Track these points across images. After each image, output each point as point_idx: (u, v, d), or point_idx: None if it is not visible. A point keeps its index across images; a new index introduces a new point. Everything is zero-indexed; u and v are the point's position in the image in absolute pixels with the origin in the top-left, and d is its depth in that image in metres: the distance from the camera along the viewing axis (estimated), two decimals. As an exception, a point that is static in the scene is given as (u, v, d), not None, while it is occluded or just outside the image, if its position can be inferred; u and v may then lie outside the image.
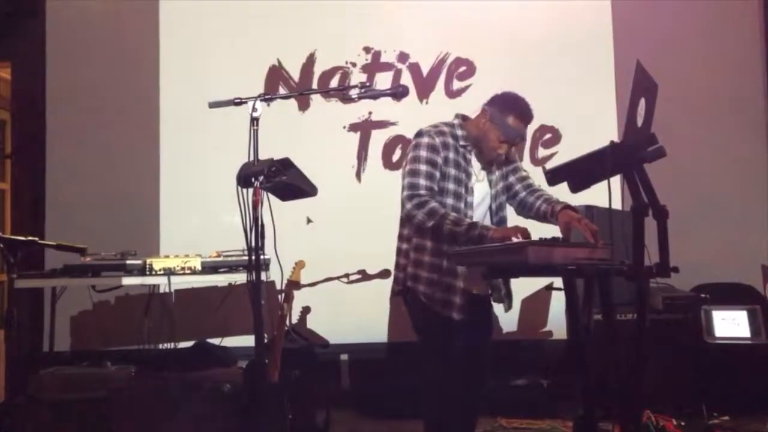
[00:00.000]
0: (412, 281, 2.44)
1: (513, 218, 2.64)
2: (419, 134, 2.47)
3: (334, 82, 4.26)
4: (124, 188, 4.16)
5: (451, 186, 2.42)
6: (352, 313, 4.06)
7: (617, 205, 1.86)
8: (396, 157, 4.23)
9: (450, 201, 2.42)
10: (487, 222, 2.51)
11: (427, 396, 2.47)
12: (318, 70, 4.29)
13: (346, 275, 4.11)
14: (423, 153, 2.40)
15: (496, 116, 2.42)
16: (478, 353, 2.50)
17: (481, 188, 2.51)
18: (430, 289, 2.40)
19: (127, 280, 3.26)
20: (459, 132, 2.48)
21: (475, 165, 2.51)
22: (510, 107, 2.42)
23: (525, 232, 2.20)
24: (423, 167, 2.39)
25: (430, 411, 2.47)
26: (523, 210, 2.60)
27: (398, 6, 4.32)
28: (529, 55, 4.29)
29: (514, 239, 2.14)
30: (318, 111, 4.25)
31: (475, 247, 2.26)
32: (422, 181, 2.38)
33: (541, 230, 2.24)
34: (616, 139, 1.86)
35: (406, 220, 2.43)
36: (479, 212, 2.50)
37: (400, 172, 2.52)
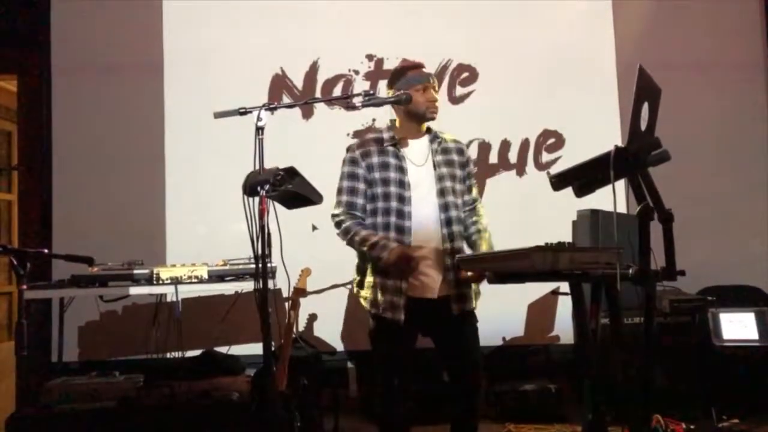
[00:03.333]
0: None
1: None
2: (346, 150, 2.59)
3: (337, 90, 4.28)
4: (131, 198, 4.17)
5: (379, 190, 2.48)
6: (359, 320, 4.06)
7: (622, 209, 1.86)
8: (400, 163, 4.24)
9: (380, 204, 2.47)
10: (434, 204, 2.47)
11: None
12: (321, 78, 4.32)
13: (353, 282, 4.11)
14: (345, 169, 2.55)
15: (398, 85, 2.50)
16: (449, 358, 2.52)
17: (425, 175, 2.50)
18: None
19: (135, 290, 3.27)
20: (386, 135, 2.54)
21: (415, 153, 2.52)
22: (397, 71, 2.58)
23: (414, 262, 2.32)
24: (345, 183, 2.52)
25: None
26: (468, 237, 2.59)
27: (400, 13, 4.33)
28: (531, 60, 4.31)
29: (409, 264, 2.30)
30: (322, 119, 4.27)
31: (480, 253, 2.28)
32: (343, 198, 2.51)
33: (547, 236, 2.24)
34: (619, 143, 1.85)
35: None
36: (426, 202, 2.47)
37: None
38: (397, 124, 2.58)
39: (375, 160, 2.50)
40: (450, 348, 2.49)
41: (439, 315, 2.44)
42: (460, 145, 2.64)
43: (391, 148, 2.51)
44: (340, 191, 2.53)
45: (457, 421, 2.54)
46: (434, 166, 2.52)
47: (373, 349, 2.56)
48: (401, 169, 2.48)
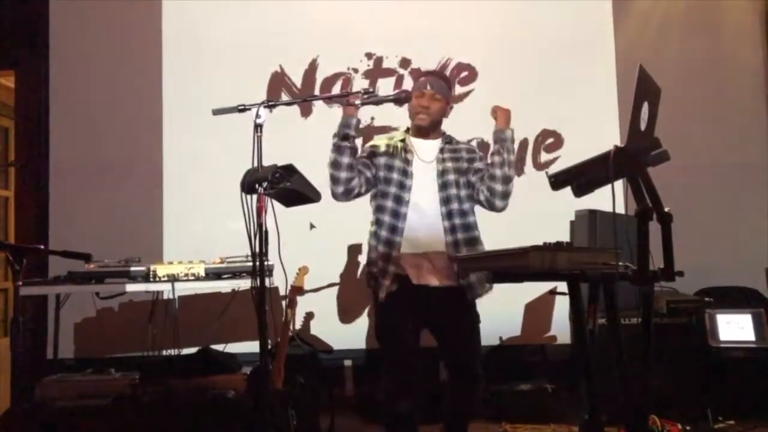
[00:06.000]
0: None
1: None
2: None
3: (336, 88, 4.27)
4: (128, 195, 4.16)
5: (380, 187, 2.58)
6: (357, 318, 4.06)
7: (621, 209, 1.86)
8: (399, 162, 4.23)
9: (380, 202, 2.58)
10: (435, 198, 2.54)
11: None
12: (320, 76, 4.31)
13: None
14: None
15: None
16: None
17: (430, 170, 2.57)
18: None
19: (131, 287, 3.26)
20: (396, 134, 2.67)
21: (425, 151, 2.60)
22: (416, 76, 2.83)
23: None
24: None
25: None
26: (488, 193, 2.60)
27: (400, 12, 4.32)
28: (531, 60, 4.30)
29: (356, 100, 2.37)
30: (320, 117, 4.25)
31: (478, 253, 2.28)
32: None
33: (545, 235, 2.24)
34: (618, 143, 1.85)
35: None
36: (427, 195, 2.55)
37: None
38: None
39: (381, 160, 2.59)
40: (451, 338, 2.54)
41: (442, 305, 2.48)
42: (472, 148, 2.72)
43: (399, 144, 2.60)
44: None
45: (450, 415, 2.59)
46: (437, 161, 2.59)
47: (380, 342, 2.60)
48: (406, 161, 2.56)
